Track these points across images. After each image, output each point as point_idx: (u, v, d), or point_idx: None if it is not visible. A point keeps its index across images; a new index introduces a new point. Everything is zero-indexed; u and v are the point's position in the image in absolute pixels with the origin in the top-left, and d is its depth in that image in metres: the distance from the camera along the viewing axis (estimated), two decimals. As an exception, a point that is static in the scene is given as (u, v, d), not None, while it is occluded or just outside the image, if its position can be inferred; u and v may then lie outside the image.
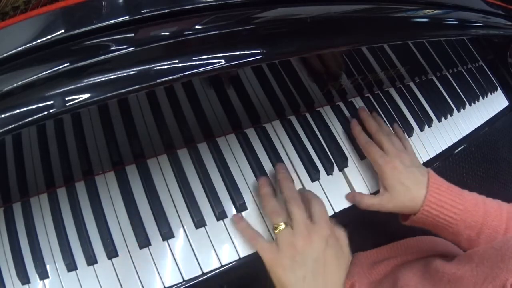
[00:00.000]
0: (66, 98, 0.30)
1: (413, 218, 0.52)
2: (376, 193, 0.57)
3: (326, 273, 0.44)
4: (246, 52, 0.36)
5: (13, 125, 0.30)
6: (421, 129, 0.68)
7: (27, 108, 0.30)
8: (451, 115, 0.75)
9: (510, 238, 0.45)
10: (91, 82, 0.31)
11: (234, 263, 0.47)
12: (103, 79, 0.31)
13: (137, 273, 0.44)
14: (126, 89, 0.32)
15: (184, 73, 0.33)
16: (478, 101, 0.83)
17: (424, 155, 0.65)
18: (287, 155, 0.55)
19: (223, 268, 0.46)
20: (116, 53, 0.32)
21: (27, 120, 0.30)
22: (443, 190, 0.51)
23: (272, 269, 0.44)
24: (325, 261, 0.44)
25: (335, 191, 0.55)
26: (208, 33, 0.35)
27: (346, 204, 0.55)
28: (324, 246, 0.45)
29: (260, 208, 0.50)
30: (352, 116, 0.62)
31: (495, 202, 0.52)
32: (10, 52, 0.31)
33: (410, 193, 0.51)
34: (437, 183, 0.52)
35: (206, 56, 0.34)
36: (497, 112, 0.86)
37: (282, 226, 0.45)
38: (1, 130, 0.30)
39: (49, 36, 0.31)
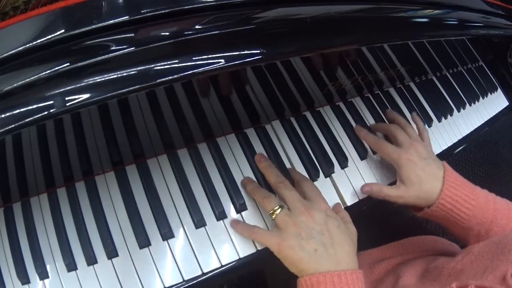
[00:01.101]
0: (66, 98, 0.30)
1: (427, 211, 0.52)
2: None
3: (334, 243, 0.44)
4: (246, 52, 0.36)
5: (13, 125, 0.30)
6: (421, 129, 0.68)
7: (27, 108, 0.30)
8: (451, 115, 0.75)
9: (510, 233, 0.46)
10: (91, 82, 0.31)
11: (234, 263, 0.47)
12: (103, 79, 0.31)
13: (137, 273, 0.44)
14: (126, 89, 0.32)
15: (184, 73, 0.33)
16: (478, 101, 0.83)
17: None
18: (287, 155, 0.55)
19: (223, 268, 0.46)
20: (116, 53, 0.32)
21: (27, 120, 0.30)
22: (458, 185, 0.51)
23: (281, 254, 0.44)
24: (330, 232, 0.44)
25: (336, 191, 0.55)
26: (208, 33, 0.35)
27: (346, 203, 0.55)
28: (325, 218, 0.45)
29: (260, 208, 0.50)
30: (352, 116, 0.62)
31: (504, 201, 0.53)
32: (10, 52, 0.31)
33: (425, 186, 0.51)
34: (452, 177, 0.52)
35: (206, 56, 0.34)
36: (497, 112, 0.86)
37: (278, 210, 0.45)
38: (1, 130, 0.30)
39: (49, 36, 0.31)
